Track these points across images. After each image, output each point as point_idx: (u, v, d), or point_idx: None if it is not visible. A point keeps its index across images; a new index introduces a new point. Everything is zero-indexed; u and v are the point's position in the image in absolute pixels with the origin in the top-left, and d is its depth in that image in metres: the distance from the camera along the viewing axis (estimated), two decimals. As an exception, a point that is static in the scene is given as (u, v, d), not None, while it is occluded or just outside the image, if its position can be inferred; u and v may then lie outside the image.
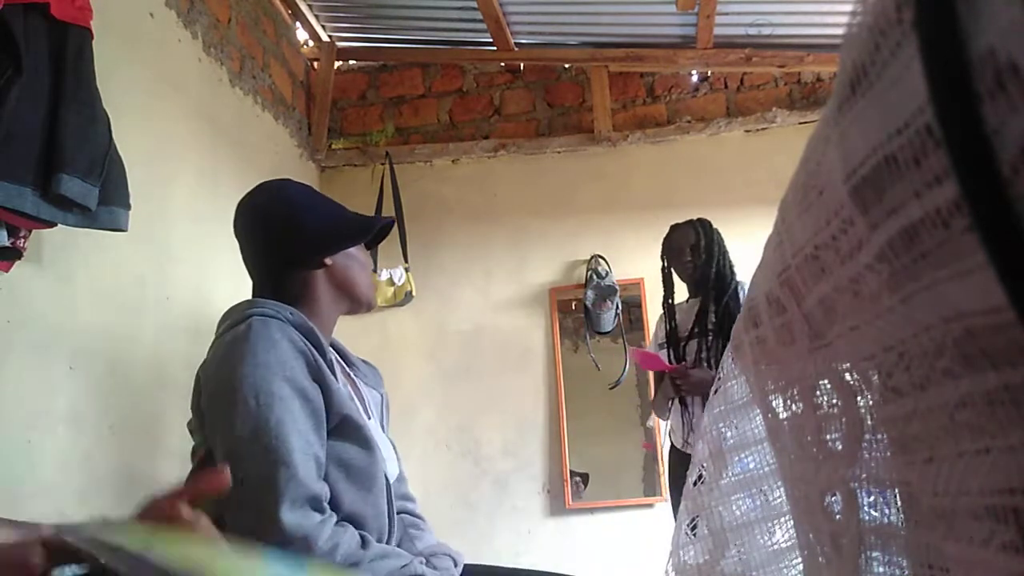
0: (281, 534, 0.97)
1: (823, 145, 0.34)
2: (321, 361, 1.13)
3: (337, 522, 1.05)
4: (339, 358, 1.34)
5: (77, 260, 1.75)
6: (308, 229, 1.24)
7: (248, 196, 1.30)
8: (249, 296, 1.26)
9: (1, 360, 1.54)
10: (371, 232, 1.32)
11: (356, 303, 1.30)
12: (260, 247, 1.26)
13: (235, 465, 0.97)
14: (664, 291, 2.29)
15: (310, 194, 1.32)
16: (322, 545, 0.99)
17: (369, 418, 1.26)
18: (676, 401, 2.18)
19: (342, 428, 1.12)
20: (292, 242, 1.23)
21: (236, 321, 1.14)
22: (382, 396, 1.38)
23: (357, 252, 1.30)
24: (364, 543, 1.06)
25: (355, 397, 1.23)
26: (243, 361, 1.06)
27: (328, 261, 1.25)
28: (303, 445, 1.03)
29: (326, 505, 1.05)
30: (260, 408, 1.03)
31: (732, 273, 2.19)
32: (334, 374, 1.15)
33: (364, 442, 1.13)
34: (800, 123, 3.09)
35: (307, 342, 1.14)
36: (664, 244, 2.31)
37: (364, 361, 1.41)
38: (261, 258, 1.26)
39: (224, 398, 1.07)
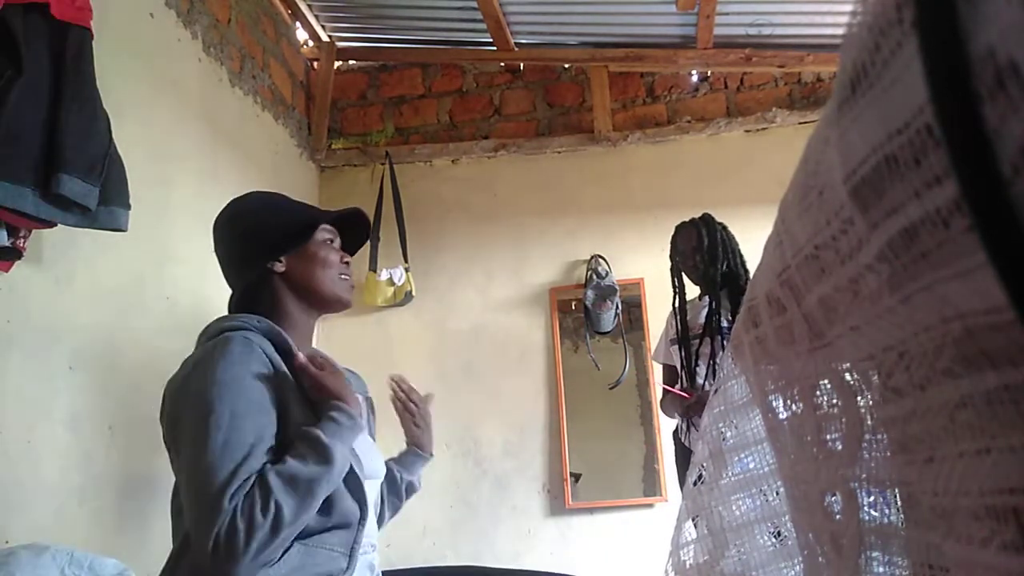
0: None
1: (823, 145, 0.34)
2: (284, 378, 1.14)
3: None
4: None
5: (77, 260, 1.75)
6: (252, 237, 1.26)
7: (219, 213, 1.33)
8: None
9: (1, 360, 1.54)
10: (312, 230, 1.29)
11: (323, 303, 1.29)
12: (223, 261, 1.30)
13: (189, 479, 1.02)
14: (673, 291, 2.29)
15: (264, 201, 1.33)
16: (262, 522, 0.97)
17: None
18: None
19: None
20: (242, 253, 1.27)
21: (210, 337, 1.17)
22: (367, 399, 1.40)
23: (316, 250, 1.28)
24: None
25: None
26: (204, 379, 1.07)
27: (279, 266, 1.25)
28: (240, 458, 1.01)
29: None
30: (209, 425, 1.02)
31: (746, 271, 2.18)
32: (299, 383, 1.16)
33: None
34: (800, 123, 3.09)
35: (275, 350, 1.16)
36: (670, 245, 2.30)
37: (348, 370, 1.42)
38: (226, 271, 1.30)
39: (182, 415, 1.08)
